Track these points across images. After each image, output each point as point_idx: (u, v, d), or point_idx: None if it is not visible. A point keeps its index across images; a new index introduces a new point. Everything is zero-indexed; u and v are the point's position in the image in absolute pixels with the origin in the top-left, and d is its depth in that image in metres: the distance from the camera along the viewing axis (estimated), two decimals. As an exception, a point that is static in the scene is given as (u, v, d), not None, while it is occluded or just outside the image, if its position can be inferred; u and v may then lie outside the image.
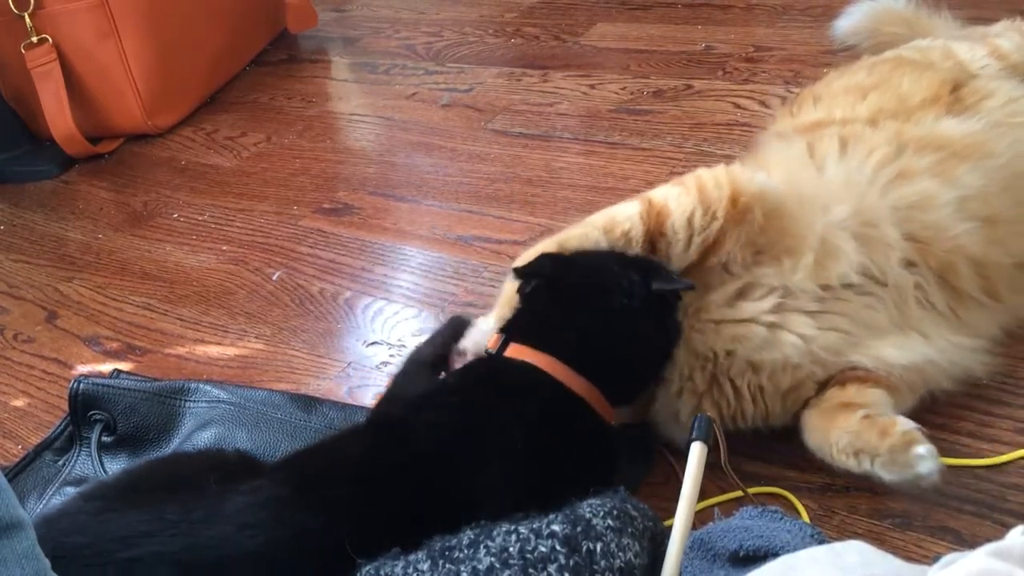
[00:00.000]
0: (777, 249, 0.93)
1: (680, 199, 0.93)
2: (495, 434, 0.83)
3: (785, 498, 0.92)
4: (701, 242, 0.92)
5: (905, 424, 0.84)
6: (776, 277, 0.93)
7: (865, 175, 0.98)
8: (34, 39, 1.87)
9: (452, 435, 0.83)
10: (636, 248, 0.93)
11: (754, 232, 0.93)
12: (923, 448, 0.81)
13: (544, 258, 0.95)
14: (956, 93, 1.07)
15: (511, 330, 0.92)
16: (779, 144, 1.10)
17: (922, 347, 0.93)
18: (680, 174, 1.43)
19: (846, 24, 1.65)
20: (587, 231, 0.96)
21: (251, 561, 0.74)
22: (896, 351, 0.93)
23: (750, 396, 0.93)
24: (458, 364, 1.02)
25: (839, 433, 0.86)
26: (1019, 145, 1.03)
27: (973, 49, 1.16)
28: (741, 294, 0.93)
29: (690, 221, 0.92)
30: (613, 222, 0.95)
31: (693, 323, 0.93)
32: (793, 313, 0.92)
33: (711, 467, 0.85)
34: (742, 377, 0.93)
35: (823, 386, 0.94)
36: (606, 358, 0.89)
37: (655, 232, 0.93)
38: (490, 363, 0.91)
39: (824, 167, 1.00)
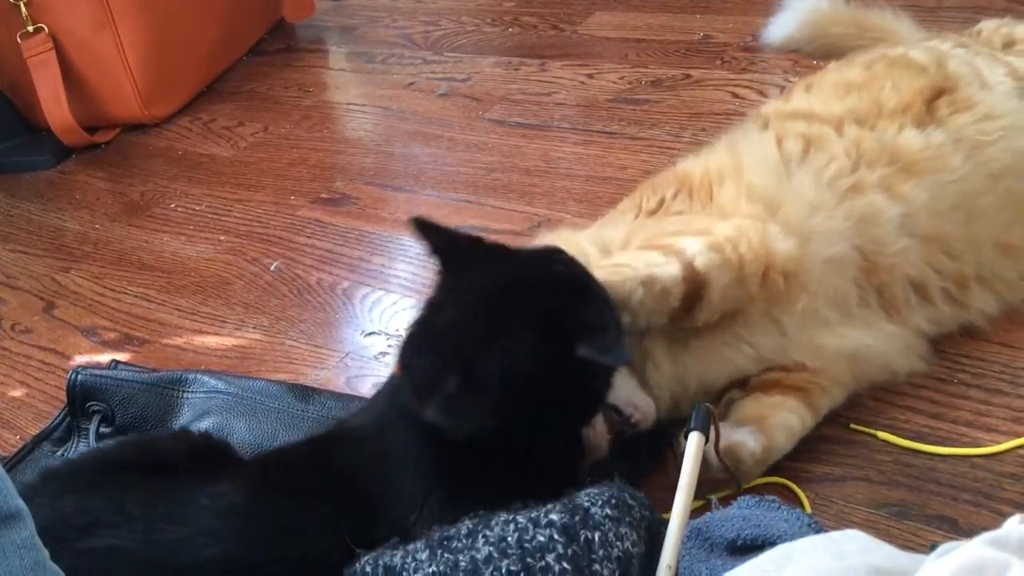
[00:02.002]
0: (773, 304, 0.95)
1: (722, 271, 0.90)
2: (400, 472, 0.80)
3: (787, 487, 0.92)
4: (726, 309, 0.93)
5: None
6: (760, 329, 0.96)
7: (825, 186, 1.00)
8: (30, 28, 1.86)
9: (367, 463, 0.82)
10: (672, 304, 0.89)
11: (771, 297, 0.94)
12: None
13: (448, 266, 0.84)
14: (933, 103, 1.07)
15: (401, 358, 0.84)
16: (754, 132, 1.10)
17: (860, 334, 0.96)
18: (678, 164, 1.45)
19: (779, 33, 1.65)
20: (625, 280, 0.88)
21: (206, 569, 0.74)
22: (833, 338, 0.96)
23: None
24: None
25: None
26: (978, 163, 1.02)
27: (993, 65, 1.15)
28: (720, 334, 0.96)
29: (726, 293, 0.91)
30: (653, 279, 0.88)
31: (673, 353, 0.95)
32: (755, 334, 0.96)
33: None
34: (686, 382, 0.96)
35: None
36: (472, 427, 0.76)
37: (692, 297, 0.91)
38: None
39: (790, 173, 1.01)
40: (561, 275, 0.81)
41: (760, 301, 0.94)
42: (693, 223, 0.98)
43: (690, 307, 0.91)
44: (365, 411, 0.91)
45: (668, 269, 0.89)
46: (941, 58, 1.15)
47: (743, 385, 0.97)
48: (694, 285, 0.90)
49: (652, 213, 1.05)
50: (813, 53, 1.64)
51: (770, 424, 0.92)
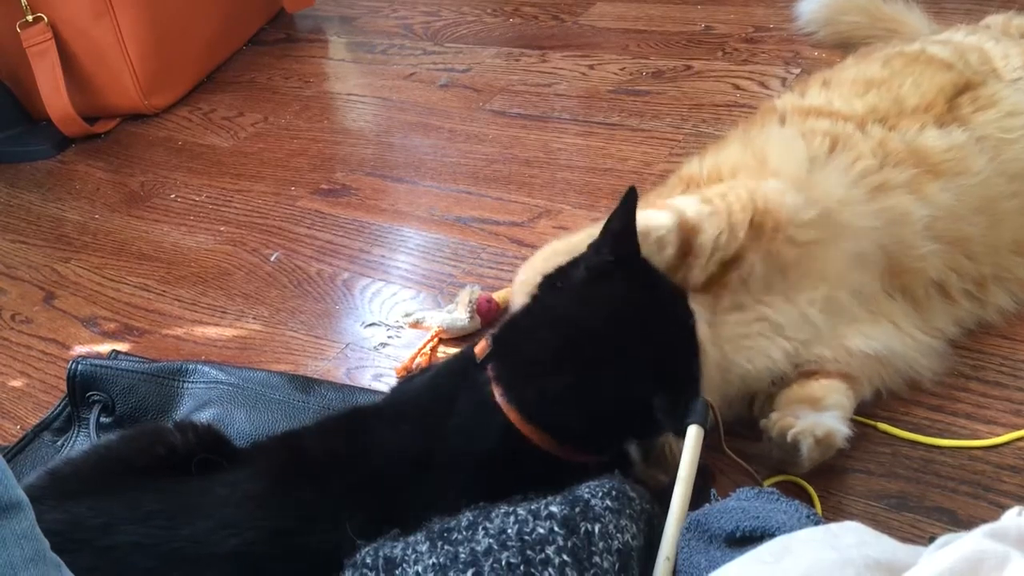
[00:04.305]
0: (796, 273, 0.95)
1: (712, 221, 0.93)
2: (440, 468, 0.80)
3: (797, 484, 0.91)
4: (720, 258, 0.94)
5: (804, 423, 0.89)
6: (786, 315, 0.96)
7: (852, 184, 0.99)
8: (29, 18, 1.86)
9: (402, 454, 0.82)
10: (667, 254, 0.92)
11: (770, 243, 0.94)
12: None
13: (583, 264, 0.86)
14: (955, 100, 1.06)
15: (497, 344, 0.85)
16: (774, 128, 1.09)
17: (889, 337, 0.97)
18: (678, 156, 1.45)
19: (807, 9, 1.66)
20: None
21: (228, 561, 0.74)
22: (863, 339, 0.96)
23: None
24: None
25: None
26: (1000, 163, 1.02)
27: (1009, 56, 1.14)
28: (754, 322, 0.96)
29: (716, 241, 0.93)
30: (648, 229, 0.92)
31: (717, 339, 0.94)
32: (788, 325, 0.96)
33: (711, 449, 0.86)
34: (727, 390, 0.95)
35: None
36: (563, 427, 0.81)
37: (686, 246, 0.93)
38: (458, 380, 0.86)
39: (818, 170, 1.01)
40: (684, 334, 0.85)
41: (761, 251, 0.94)
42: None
43: (684, 255, 0.93)
44: (407, 399, 0.91)
45: (661, 220, 0.93)
46: (962, 51, 1.14)
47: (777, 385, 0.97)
48: (686, 233, 0.93)
49: None
50: (823, 40, 1.64)
51: (826, 405, 0.92)
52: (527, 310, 0.88)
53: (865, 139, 1.03)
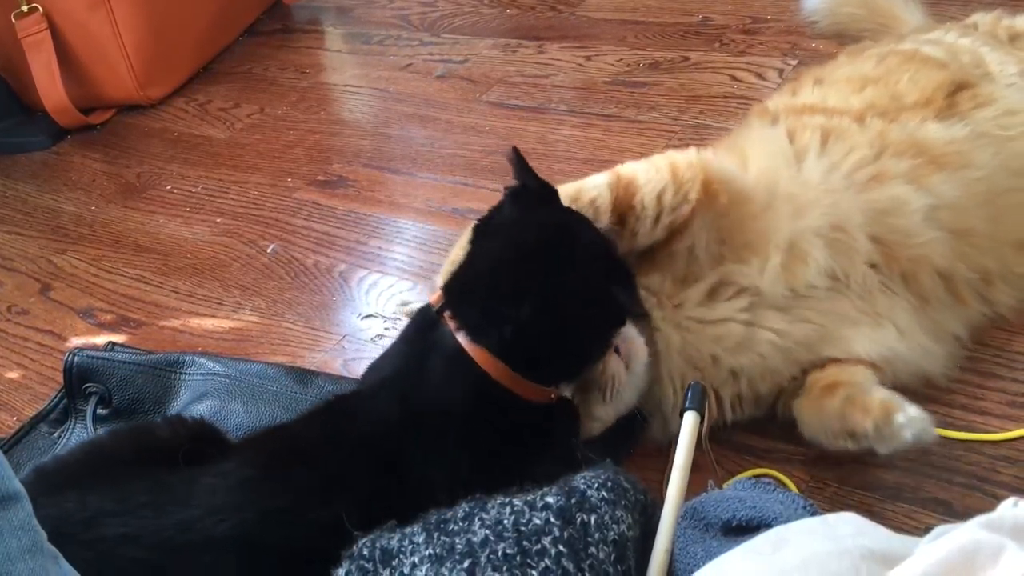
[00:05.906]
0: (739, 242, 0.94)
1: (649, 175, 0.93)
2: (424, 429, 0.81)
3: (778, 479, 0.91)
4: (669, 223, 0.92)
5: (882, 394, 0.84)
6: (745, 277, 0.93)
7: (841, 174, 0.97)
8: (24, 8, 1.85)
9: (388, 425, 0.82)
10: (604, 218, 0.92)
11: (718, 217, 0.93)
12: (903, 416, 0.80)
13: (513, 201, 0.91)
14: (953, 97, 1.05)
15: (449, 292, 0.87)
16: (762, 128, 1.08)
17: (893, 340, 0.94)
18: (677, 147, 1.45)
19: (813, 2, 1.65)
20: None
21: (219, 546, 0.74)
22: (868, 343, 0.94)
23: (730, 406, 0.95)
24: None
25: (829, 419, 0.87)
26: (1002, 159, 1.01)
27: (1004, 63, 1.13)
28: (714, 293, 0.94)
29: (660, 198, 0.92)
30: (580, 190, 0.94)
31: (677, 320, 0.93)
32: (766, 310, 0.93)
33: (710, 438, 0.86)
34: (725, 387, 0.94)
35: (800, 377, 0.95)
36: (538, 355, 0.83)
37: (624, 204, 0.92)
38: (421, 338, 0.87)
39: (803, 162, 0.99)
40: (598, 235, 0.90)
41: (706, 218, 0.92)
42: None
43: (623, 216, 0.92)
44: (381, 372, 0.91)
45: (594, 179, 0.94)
46: (955, 52, 1.13)
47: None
48: (622, 191, 0.91)
49: None
50: (824, 31, 1.63)
51: (847, 377, 0.90)
52: (469, 257, 0.90)
53: (863, 131, 1.01)
